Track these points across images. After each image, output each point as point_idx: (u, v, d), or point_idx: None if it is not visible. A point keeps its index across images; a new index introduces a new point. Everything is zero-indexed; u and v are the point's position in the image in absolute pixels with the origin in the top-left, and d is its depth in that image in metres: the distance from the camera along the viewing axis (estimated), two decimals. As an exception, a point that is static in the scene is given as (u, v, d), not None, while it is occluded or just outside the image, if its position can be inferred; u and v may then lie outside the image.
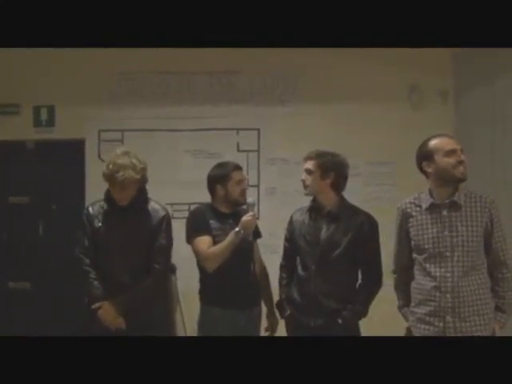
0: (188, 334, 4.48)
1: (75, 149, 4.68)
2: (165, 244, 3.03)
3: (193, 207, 4.70)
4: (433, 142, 2.68)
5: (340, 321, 2.87)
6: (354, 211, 3.02)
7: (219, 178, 3.17)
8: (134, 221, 2.99)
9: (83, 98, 4.67)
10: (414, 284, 2.73)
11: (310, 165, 3.01)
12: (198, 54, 4.17)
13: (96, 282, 2.95)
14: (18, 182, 4.78)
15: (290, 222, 3.14)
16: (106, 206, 3.04)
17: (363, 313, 2.95)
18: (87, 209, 3.07)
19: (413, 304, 2.73)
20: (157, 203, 3.12)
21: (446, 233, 2.61)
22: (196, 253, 3.10)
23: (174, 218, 4.65)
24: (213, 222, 3.13)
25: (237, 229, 3.02)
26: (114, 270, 2.95)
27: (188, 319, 4.56)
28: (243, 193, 3.19)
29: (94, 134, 4.68)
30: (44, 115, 4.75)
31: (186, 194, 4.72)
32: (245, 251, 3.12)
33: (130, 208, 3.01)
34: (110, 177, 2.92)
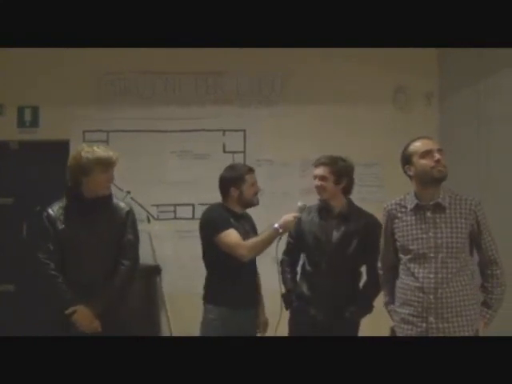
0: (173, 335, 4.48)
1: (59, 150, 4.64)
2: (132, 239, 2.96)
3: (179, 208, 4.76)
4: (411, 146, 2.71)
5: (347, 314, 3.00)
6: (361, 213, 3.17)
7: (234, 179, 3.19)
8: (98, 218, 2.92)
9: (68, 98, 4.67)
10: (398, 284, 2.75)
11: (323, 171, 3.09)
12: (184, 54, 4.18)
13: (65, 286, 2.83)
14: (1, 183, 4.75)
15: (297, 221, 3.15)
16: (69, 205, 2.94)
17: (369, 308, 3.07)
18: (47, 211, 2.93)
19: (397, 304, 2.74)
20: (119, 200, 3.08)
21: (431, 234, 2.62)
22: (228, 244, 3.03)
23: (160, 219, 4.71)
24: (231, 220, 3.14)
25: (276, 225, 3.04)
26: (84, 270, 2.87)
27: (174, 320, 4.57)
28: (256, 194, 3.24)
29: (78, 134, 4.64)
30: (28, 116, 4.74)
31: (172, 195, 4.74)
32: None
33: (94, 205, 2.92)
34: (105, 159, 2.87)
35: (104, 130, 4.71)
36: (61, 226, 2.89)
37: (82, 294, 2.83)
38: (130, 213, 3.01)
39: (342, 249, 3.05)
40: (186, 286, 4.34)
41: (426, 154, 2.63)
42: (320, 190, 3.12)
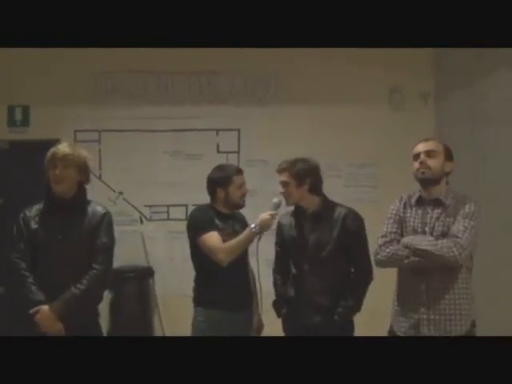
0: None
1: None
2: (106, 242, 2.94)
3: (172, 208, 4.75)
4: (413, 148, 2.84)
5: (336, 317, 2.97)
6: (336, 208, 3.10)
7: (220, 180, 3.19)
8: (73, 220, 2.92)
9: (59, 97, 4.63)
10: (397, 277, 2.84)
11: (284, 177, 3.08)
12: (177, 53, 4.17)
13: (34, 287, 2.82)
14: (-9, 183, 4.72)
15: (279, 227, 3.22)
16: (44, 205, 2.95)
17: (356, 308, 3.02)
18: (24, 212, 2.96)
19: (395, 297, 2.84)
20: (97, 204, 3.06)
21: (426, 229, 2.73)
22: (208, 247, 3.07)
23: (153, 220, 4.70)
24: (216, 221, 3.15)
25: (252, 225, 3.06)
26: (54, 272, 2.85)
27: (167, 322, 4.56)
28: (243, 197, 3.23)
29: (69, 134, 4.58)
30: (18, 115, 4.71)
31: (165, 195, 4.73)
32: (241, 255, 3.14)
33: (70, 207, 2.93)
34: (51, 158, 2.87)
35: (96, 129, 4.70)
36: (34, 226, 2.90)
37: (53, 296, 2.82)
38: (106, 216, 2.99)
39: (321, 248, 3.02)
40: (179, 288, 4.27)
41: (416, 156, 2.79)
42: (285, 195, 3.10)
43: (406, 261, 2.70)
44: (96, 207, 3.01)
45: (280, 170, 3.10)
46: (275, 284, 3.23)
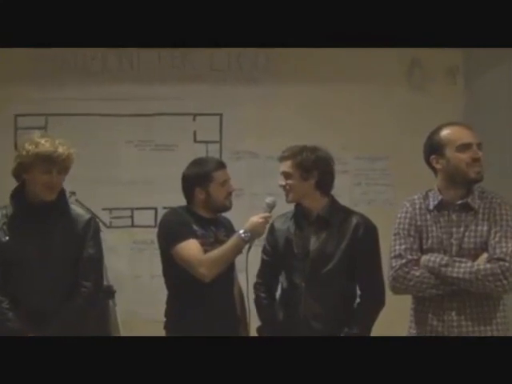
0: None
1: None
2: (94, 254, 2.97)
3: (138, 213, 4.71)
4: (445, 132, 2.70)
5: None
6: (347, 214, 3.07)
7: (198, 179, 3.16)
8: (54, 228, 2.92)
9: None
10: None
11: (286, 166, 3.04)
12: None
13: (11, 313, 2.85)
14: None
15: (271, 232, 3.16)
16: (14, 211, 2.95)
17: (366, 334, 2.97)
18: None
19: (412, 306, 2.80)
20: (78, 207, 3.09)
21: (453, 241, 2.69)
22: (185, 259, 3.06)
23: (113, 226, 4.65)
24: (195, 227, 3.12)
25: (241, 231, 3.05)
26: (34, 293, 2.86)
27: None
28: (229, 196, 3.21)
29: (8, 119, 4.60)
30: None
31: (129, 196, 4.67)
32: (226, 269, 3.13)
33: (49, 212, 2.93)
34: (47, 156, 2.82)
35: (41, 113, 4.64)
36: (4, 238, 2.91)
37: (33, 321, 2.84)
38: (92, 221, 3.01)
39: (322, 263, 2.98)
40: (147, 312, 4.27)
41: (465, 147, 2.65)
42: (285, 190, 3.06)
43: (434, 290, 2.63)
44: (78, 211, 3.02)
45: (281, 159, 3.07)
46: (259, 304, 3.17)
